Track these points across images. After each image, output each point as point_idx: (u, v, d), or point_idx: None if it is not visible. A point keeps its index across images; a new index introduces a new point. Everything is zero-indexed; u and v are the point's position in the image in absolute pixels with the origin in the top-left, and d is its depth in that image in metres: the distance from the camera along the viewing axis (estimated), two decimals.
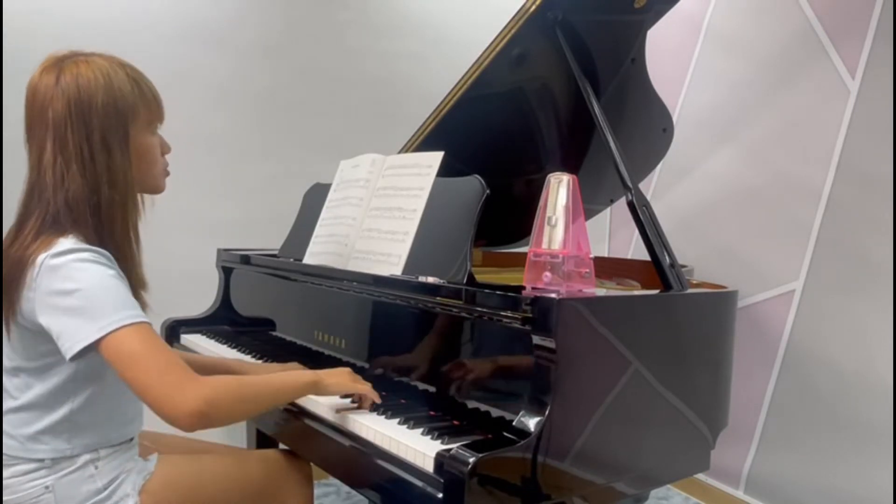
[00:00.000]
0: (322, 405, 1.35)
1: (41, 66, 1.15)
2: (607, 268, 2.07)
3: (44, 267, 1.07)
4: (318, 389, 1.27)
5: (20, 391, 1.14)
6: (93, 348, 1.05)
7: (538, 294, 1.16)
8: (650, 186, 2.85)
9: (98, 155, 1.12)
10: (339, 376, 1.30)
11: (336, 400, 1.36)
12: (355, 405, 1.34)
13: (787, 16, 2.35)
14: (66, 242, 1.09)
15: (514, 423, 1.12)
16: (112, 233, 1.15)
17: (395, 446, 1.16)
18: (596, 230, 2.97)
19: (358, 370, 1.51)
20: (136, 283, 1.18)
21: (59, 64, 1.14)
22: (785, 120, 2.36)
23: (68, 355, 1.05)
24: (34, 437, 1.13)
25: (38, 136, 1.12)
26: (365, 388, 1.31)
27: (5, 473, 1.13)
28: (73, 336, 1.05)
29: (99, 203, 1.12)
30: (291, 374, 1.29)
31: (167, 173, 1.28)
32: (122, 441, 1.22)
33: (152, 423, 1.22)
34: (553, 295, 1.14)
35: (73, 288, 1.05)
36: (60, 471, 1.14)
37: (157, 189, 1.27)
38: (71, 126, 1.10)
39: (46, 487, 1.13)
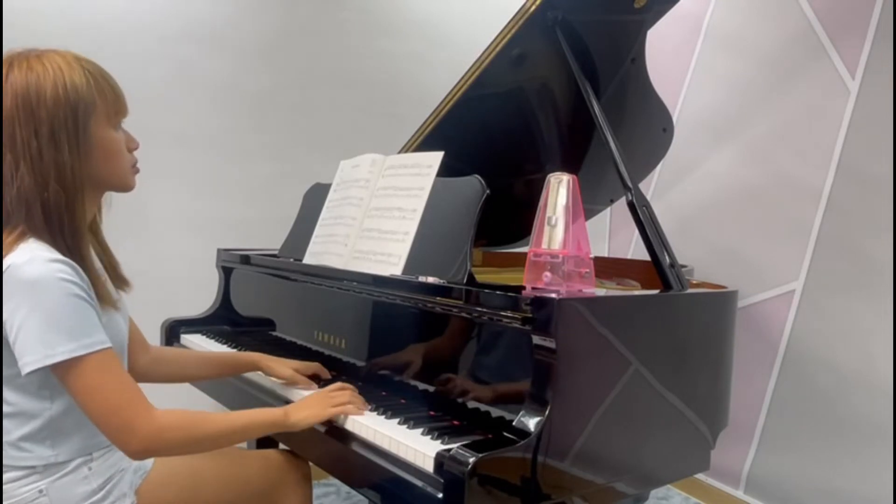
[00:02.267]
0: None
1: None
2: (607, 268, 2.07)
3: (4, 276, 1.02)
4: (286, 427, 1.24)
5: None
6: (45, 371, 1.03)
7: (538, 294, 1.16)
8: (650, 186, 2.85)
9: (45, 150, 1.06)
10: (309, 408, 1.27)
11: None
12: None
13: (787, 16, 2.35)
14: (29, 249, 1.04)
15: (514, 423, 1.12)
16: (66, 235, 1.08)
17: (395, 446, 1.16)
18: (596, 230, 2.97)
19: (358, 370, 1.51)
20: (101, 291, 1.12)
21: (10, 61, 1.09)
22: (785, 120, 2.36)
23: (23, 372, 1.03)
24: (16, 444, 1.10)
25: None
26: (339, 409, 1.28)
27: None
28: (23, 355, 1.02)
29: (48, 201, 1.06)
30: (257, 414, 1.26)
31: (136, 170, 1.21)
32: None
33: None
34: (553, 295, 1.14)
35: (31, 304, 1.01)
36: (53, 474, 1.12)
37: (126, 185, 1.19)
38: (19, 121, 1.05)
39: (40, 491, 1.10)
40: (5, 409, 1.11)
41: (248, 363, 1.52)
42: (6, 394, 1.10)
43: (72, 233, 1.09)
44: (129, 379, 1.10)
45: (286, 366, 1.50)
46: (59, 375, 1.05)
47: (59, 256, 1.05)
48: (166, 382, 1.48)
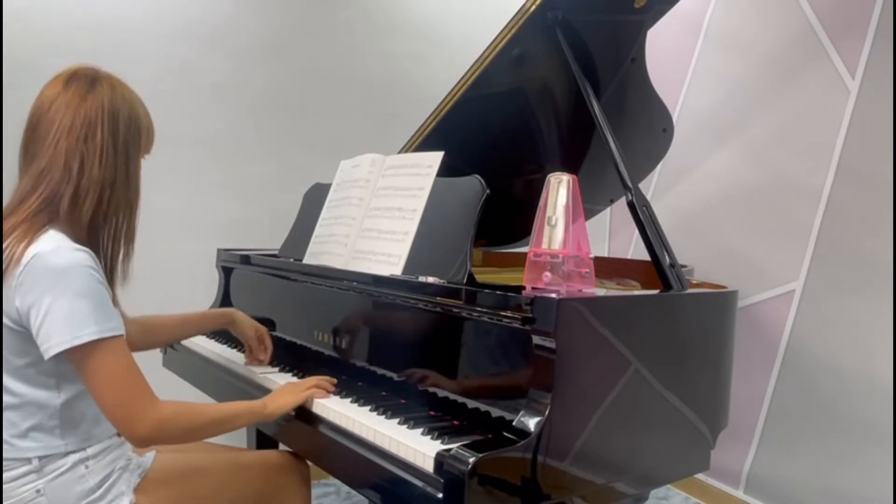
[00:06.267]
0: (320, 404, 1.35)
1: (71, 69, 1.20)
2: (607, 268, 2.07)
3: (30, 264, 1.08)
4: (264, 418, 1.33)
5: (5, 392, 1.14)
6: (60, 358, 1.08)
7: (538, 294, 1.16)
8: (650, 186, 2.85)
9: (120, 156, 1.19)
10: (280, 398, 1.35)
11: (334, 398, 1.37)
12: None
13: (787, 16, 2.35)
14: (51, 239, 1.10)
15: (514, 423, 1.12)
16: (107, 230, 1.18)
17: (395, 446, 1.16)
18: (596, 230, 2.97)
19: (357, 370, 1.51)
20: (115, 285, 1.22)
21: (95, 75, 1.21)
22: (785, 120, 2.36)
23: (45, 356, 1.08)
24: (24, 434, 1.12)
25: (62, 125, 1.15)
26: (309, 392, 1.36)
27: None
28: (48, 339, 1.07)
29: (110, 199, 1.17)
30: (242, 405, 1.33)
31: None
32: (113, 433, 1.22)
33: None
34: (553, 295, 1.14)
35: (59, 290, 1.07)
36: (51, 473, 1.13)
37: None
38: (102, 123, 1.16)
39: (38, 491, 1.12)
40: (13, 401, 1.13)
41: (222, 315, 1.70)
42: (14, 386, 1.13)
43: (124, 232, 1.21)
44: (138, 368, 1.14)
45: (251, 326, 1.67)
46: (78, 359, 1.09)
47: (81, 246, 1.12)
48: (157, 348, 1.68)
